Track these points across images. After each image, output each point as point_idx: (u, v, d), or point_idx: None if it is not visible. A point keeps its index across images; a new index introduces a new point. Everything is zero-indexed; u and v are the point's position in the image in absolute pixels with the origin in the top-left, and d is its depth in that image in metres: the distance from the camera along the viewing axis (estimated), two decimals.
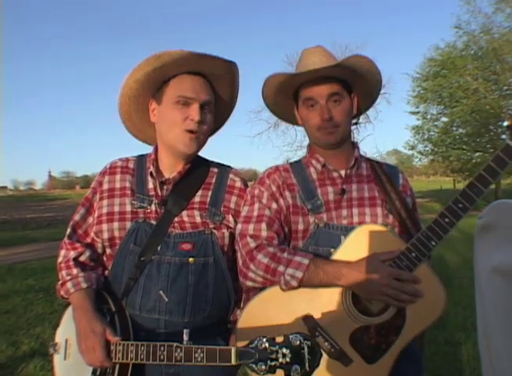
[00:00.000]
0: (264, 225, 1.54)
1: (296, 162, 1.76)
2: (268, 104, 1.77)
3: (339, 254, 1.46)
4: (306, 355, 1.14)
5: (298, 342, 1.15)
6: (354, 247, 1.45)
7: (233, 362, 1.19)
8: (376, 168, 1.68)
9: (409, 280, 1.39)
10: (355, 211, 1.58)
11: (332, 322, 1.40)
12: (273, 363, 1.15)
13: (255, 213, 1.58)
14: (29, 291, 6.37)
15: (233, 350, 1.20)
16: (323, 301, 1.43)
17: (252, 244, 1.51)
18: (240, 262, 1.53)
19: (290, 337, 1.16)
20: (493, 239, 0.80)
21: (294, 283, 1.41)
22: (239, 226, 1.58)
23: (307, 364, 1.13)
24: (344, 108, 1.60)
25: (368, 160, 1.74)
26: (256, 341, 1.18)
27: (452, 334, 4.28)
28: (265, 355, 1.15)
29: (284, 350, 1.15)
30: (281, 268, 1.43)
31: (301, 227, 1.57)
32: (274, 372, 1.16)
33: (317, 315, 1.42)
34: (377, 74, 1.64)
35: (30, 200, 49.37)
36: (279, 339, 1.17)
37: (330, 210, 1.58)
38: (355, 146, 1.70)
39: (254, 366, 1.16)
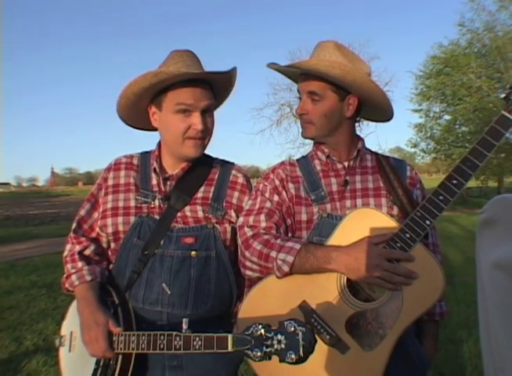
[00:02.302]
0: (263, 217, 1.55)
1: (302, 157, 1.77)
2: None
3: (333, 240, 1.44)
4: (301, 341, 1.14)
5: (293, 329, 1.16)
6: (348, 232, 1.42)
7: (230, 348, 1.21)
8: (382, 160, 1.67)
9: (402, 258, 1.35)
10: (359, 201, 1.57)
11: (328, 308, 1.38)
12: (268, 350, 1.16)
13: (256, 206, 1.59)
14: (32, 287, 6.39)
15: (230, 337, 1.22)
16: (319, 288, 1.41)
17: (249, 233, 1.51)
18: (239, 253, 1.54)
19: (285, 323, 1.17)
20: (494, 234, 0.80)
21: (286, 268, 1.39)
22: (240, 219, 1.59)
23: (301, 350, 1.14)
24: (321, 108, 1.57)
25: (374, 153, 1.73)
26: (252, 328, 1.19)
27: (455, 332, 4.28)
28: (261, 341, 1.17)
29: (279, 336, 1.16)
30: (273, 253, 1.42)
31: (304, 218, 1.57)
32: (269, 358, 1.17)
33: (313, 302, 1.40)
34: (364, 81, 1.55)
35: (33, 197, 49.51)
36: (275, 326, 1.19)
37: (334, 201, 1.57)
38: (359, 139, 1.69)
39: (249, 352, 1.17)
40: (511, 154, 19.26)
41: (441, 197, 1.34)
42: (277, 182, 1.63)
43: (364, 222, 1.43)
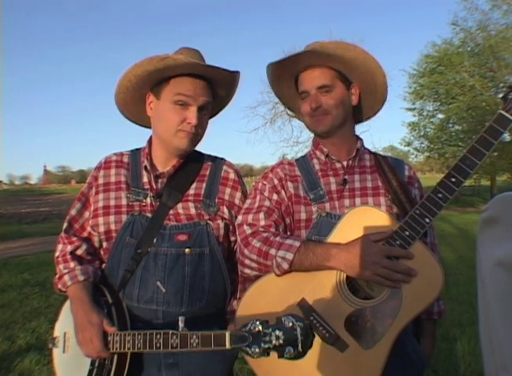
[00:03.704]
0: (262, 215, 1.55)
1: (301, 157, 1.77)
2: (274, 92, 1.81)
3: (332, 237, 1.44)
4: (299, 336, 1.14)
5: (291, 324, 1.15)
6: (347, 230, 1.42)
7: (228, 346, 1.20)
8: (380, 160, 1.67)
9: (401, 256, 1.35)
10: (358, 200, 1.57)
11: (327, 306, 1.38)
12: (267, 346, 1.15)
13: (256, 204, 1.59)
14: (25, 286, 6.35)
15: (227, 334, 1.21)
16: (318, 286, 1.41)
17: (248, 231, 1.52)
18: (238, 251, 1.54)
19: (283, 319, 1.17)
20: (496, 232, 0.80)
21: (285, 265, 1.39)
22: (239, 218, 1.59)
23: (300, 345, 1.14)
24: (335, 97, 1.59)
25: (372, 152, 1.73)
26: (249, 325, 1.19)
27: (448, 330, 4.29)
28: (259, 338, 1.16)
29: (277, 332, 1.15)
30: (272, 251, 1.42)
31: (303, 217, 1.57)
32: (268, 354, 1.17)
33: (312, 300, 1.40)
34: (370, 63, 1.58)
35: (26, 195, 49.10)
36: (273, 322, 1.18)
37: (333, 200, 1.57)
38: (358, 138, 1.70)
39: (247, 349, 1.17)
40: (504, 153, 19.36)
41: (440, 195, 1.35)
42: (276, 182, 1.63)
43: (363, 219, 1.43)
